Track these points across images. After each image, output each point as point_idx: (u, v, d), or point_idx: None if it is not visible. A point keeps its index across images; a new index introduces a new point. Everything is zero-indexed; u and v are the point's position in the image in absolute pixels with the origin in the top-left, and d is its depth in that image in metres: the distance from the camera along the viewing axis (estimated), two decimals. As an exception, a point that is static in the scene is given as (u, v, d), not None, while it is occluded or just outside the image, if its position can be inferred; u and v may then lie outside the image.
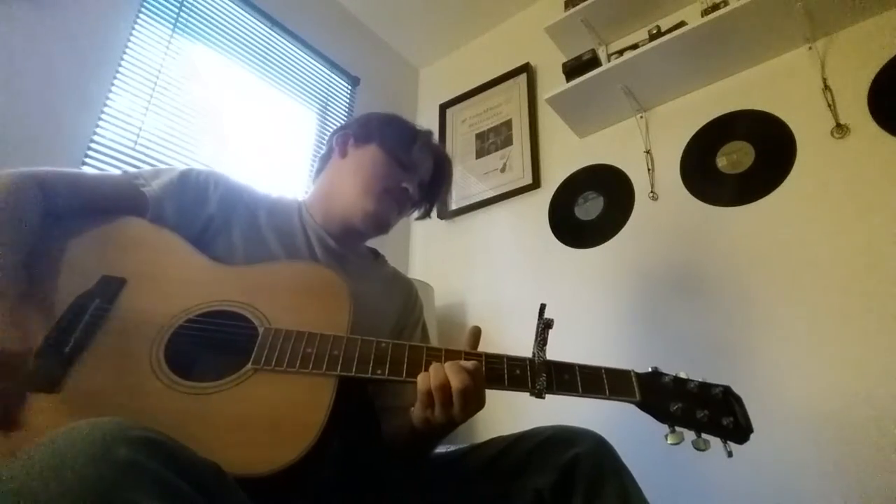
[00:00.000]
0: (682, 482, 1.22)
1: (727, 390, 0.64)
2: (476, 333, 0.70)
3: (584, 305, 1.58)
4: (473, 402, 0.62)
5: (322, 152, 1.02)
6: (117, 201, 0.79)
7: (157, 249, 0.77)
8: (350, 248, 0.94)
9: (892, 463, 1.04)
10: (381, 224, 0.92)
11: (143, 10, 1.51)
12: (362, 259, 0.98)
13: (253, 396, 0.62)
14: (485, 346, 0.68)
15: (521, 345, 0.70)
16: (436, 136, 1.02)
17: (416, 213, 1.03)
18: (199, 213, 0.83)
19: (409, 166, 0.93)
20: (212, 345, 0.67)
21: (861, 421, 1.09)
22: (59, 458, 0.36)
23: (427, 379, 0.62)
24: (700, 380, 0.64)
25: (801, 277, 1.26)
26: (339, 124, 1.40)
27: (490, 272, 1.86)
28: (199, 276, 0.75)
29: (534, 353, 0.66)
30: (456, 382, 0.60)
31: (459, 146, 2.18)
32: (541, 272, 1.73)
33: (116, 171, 1.17)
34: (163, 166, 1.16)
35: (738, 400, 0.63)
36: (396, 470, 0.80)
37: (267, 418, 0.60)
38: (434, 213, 1.05)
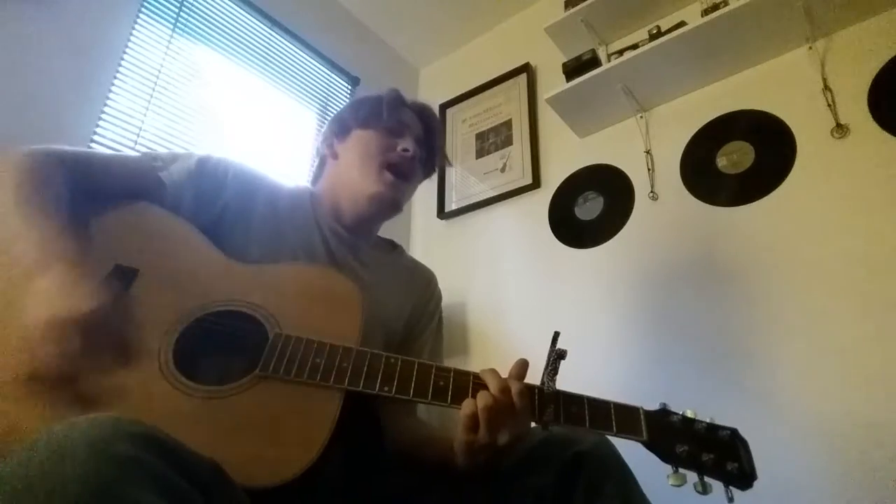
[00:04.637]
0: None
1: (734, 433, 0.62)
2: (524, 366, 0.68)
3: (583, 305, 1.58)
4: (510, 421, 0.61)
5: (314, 164, 1.04)
6: (132, 186, 0.77)
7: (172, 241, 0.75)
8: (363, 237, 0.95)
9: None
10: (389, 202, 0.92)
11: (143, 10, 1.51)
12: (377, 250, 0.99)
13: (258, 405, 0.61)
14: (485, 347, 0.68)
15: (520, 345, 0.70)
16: (403, 91, 1.02)
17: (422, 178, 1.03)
18: (215, 200, 0.83)
19: (395, 127, 0.94)
20: (220, 345, 0.67)
21: (860, 420, 1.09)
22: (58, 454, 0.36)
23: (472, 402, 0.62)
24: (708, 420, 0.63)
25: (801, 277, 1.26)
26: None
27: (490, 272, 1.86)
28: (214, 273, 0.74)
29: (543, 381, 0.64)
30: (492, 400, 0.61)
31: (459, 146, 2.18)
32: (541, 272, 1.73)
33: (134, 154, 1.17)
34: (180, 150, 1.16)
35: (745, 444, 0.62)
36: (396, 470, 0.80)
37: (271, 430, 0.60)
38: (435, 175, 1.06)
